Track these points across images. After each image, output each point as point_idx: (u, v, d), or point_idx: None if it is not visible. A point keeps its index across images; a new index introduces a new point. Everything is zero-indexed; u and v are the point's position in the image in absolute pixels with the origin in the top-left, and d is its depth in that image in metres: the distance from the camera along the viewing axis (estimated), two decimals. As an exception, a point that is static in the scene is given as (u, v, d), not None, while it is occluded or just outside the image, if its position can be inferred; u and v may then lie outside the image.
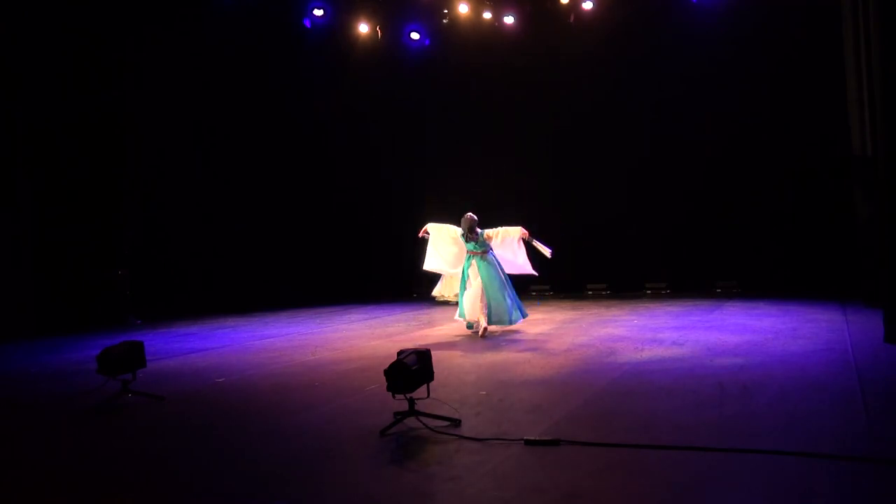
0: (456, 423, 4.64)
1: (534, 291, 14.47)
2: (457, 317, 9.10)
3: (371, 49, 15.17)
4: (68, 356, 8.59)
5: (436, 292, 9.80)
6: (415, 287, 15.68)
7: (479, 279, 8.76)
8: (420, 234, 9.39)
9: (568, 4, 14.12)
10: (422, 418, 4.58)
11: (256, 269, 14.40)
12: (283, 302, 13.99)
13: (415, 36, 15.28)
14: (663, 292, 13.79)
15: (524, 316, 9.09)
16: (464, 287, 8.91)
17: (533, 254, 9.30)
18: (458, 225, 9.08)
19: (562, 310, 11.54)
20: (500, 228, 9.13)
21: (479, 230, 8.87)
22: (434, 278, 9.99)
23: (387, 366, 4.55)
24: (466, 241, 8.92)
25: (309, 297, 14.34)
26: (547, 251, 9.07)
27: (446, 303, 10.32)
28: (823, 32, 11.87)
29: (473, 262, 8.90)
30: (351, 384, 6.19)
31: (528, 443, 4.18)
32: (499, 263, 9.00)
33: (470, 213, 8.93)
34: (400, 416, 4.65)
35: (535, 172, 14.75)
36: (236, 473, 4.02)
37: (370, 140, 15.63)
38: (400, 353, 4.70)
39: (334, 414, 5.21)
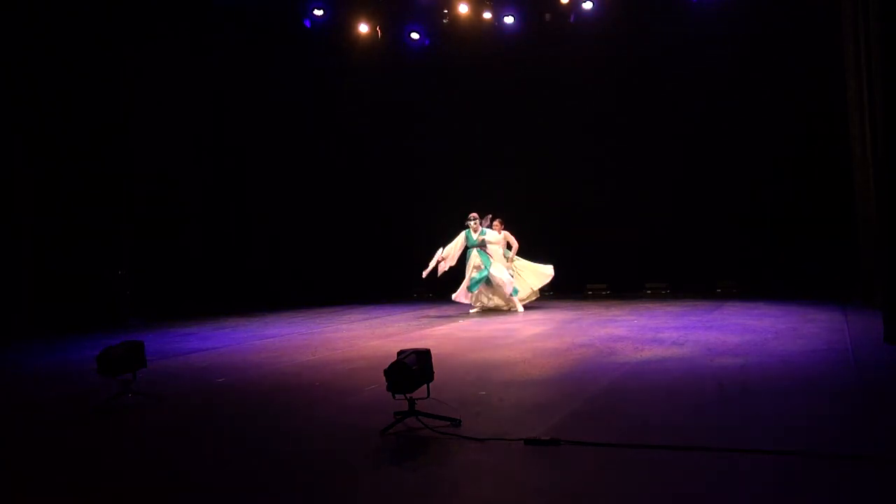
0: (456, 423, 4.64)
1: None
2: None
3: (371, 49, 15.17)
4: (68, 356, 8.59)
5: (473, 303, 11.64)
6: (415, 287, 15.68)
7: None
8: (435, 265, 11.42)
9: (568, 4, 14.12)
10: (422, 418, 4.58)
11: (256, 270, 14.40)
12: (283, 302, 13.99)
13: (415, 36, 15.28)
14: (663, 292, 13.77)
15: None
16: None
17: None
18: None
19: (562, 310, 11.54)
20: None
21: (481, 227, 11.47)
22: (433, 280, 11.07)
23: (387, 366, 4.54)
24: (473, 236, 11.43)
25: (309, 297, 14.33)
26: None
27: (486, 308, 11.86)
28: (824, 32, 11.87)
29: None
30: (351, 384, 6.19)
31: (528, 443, 4.17)
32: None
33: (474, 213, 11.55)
34: (400, 416, 4.65)
35: (535, 172, 14.75)
36: (236, 473, 4.02)
37: (369, 141, 15.63)
38: (400, 353, 4.70)
39: (334, 414, 5.21)
